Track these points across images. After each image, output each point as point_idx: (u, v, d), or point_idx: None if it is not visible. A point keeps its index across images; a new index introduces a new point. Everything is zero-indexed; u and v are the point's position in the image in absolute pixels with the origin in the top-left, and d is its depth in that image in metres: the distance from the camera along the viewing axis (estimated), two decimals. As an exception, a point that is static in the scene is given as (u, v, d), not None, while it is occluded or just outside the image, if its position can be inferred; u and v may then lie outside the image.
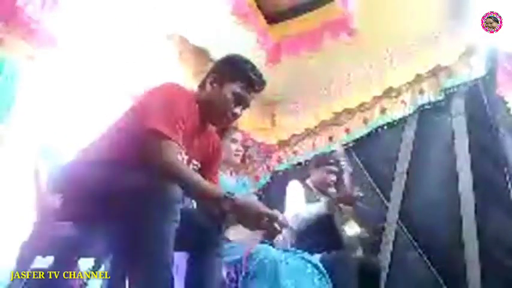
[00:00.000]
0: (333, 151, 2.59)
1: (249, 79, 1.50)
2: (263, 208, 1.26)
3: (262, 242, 2.00)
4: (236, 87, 1.49)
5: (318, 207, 2.31)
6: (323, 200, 2.35)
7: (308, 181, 2.60)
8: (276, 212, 1.29)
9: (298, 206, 2.39)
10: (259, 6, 2.84)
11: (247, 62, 1.54)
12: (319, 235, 2.28)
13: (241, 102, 1.51)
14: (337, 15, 2.68)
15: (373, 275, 2.26)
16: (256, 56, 2.57)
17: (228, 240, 1.85)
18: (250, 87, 1.51)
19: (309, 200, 2.44)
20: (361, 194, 2.29)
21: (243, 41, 2.68)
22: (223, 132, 2.06)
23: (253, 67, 1.53)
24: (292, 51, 2.89)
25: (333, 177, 2.52)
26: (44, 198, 1.34)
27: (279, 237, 2.14)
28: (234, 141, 2.22)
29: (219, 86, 1.50)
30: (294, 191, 2.51)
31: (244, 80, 1.50)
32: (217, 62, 1.60)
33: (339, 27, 2.70)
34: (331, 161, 2.52)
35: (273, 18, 2.97)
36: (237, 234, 1.91)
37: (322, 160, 2.59)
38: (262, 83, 1.54)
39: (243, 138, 2.31)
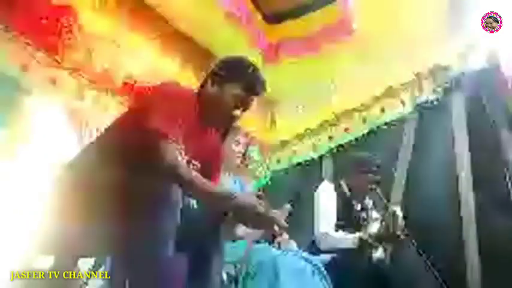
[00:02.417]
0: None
1: (250, 82, 1.49)
2: (262, 209, 1.26)
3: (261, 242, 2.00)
4: (237, 90, 1.47)
5: (351, 242, 2.22)
6: (356, 236, 2.23)
7: (342, 182, 2.50)
8: (275, 214, 1.29)
9: (329, 219, 2.33)
10: (258, 7, 2.85)
11: (249, 64, 1.52)
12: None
13: (242, 104, 1.50)
14: (338, 17, 2.69)
15: (383, 280, 2.24)
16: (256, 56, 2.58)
17: (232, 238, 1.85)
18: (251, 90, 1.50)
19: (342, 203, 2.39)
20: (403, 236, 2.20)
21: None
22: (226, 133, 2.06)
23: (255, 69, 1.51)
24: (292, 53, 2.90)
25: (372, 186, 2.43)
26: (46, 198, 1.34)
27: (283, 239, 2.13)
28: (236, 142, 2.21)
29: (219, 87, 1.49)
30: (327, 195, 2.42)
31: (245, 82, 1.48)
32: (218, 63, 1.59)
33: (339, 31, 2.70)
34: (372, 168, 2.41)
35: (273, 18, 2.97)
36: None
37: (362, 165, 2.45)
38: (263, 86, 1.52)
39: (243, 138, 2.31)
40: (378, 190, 2.45)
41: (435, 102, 3.10)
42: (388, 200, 3.08)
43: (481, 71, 2.90)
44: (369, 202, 2.44)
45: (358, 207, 2.45)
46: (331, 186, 2.49)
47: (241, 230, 1.94)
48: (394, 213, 2.21)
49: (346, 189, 2.47)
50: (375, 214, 2.41)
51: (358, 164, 2.48)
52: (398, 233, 2.21)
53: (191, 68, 3.03)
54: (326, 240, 2.28)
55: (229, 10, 2.51)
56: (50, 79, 2.22)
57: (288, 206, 1.71)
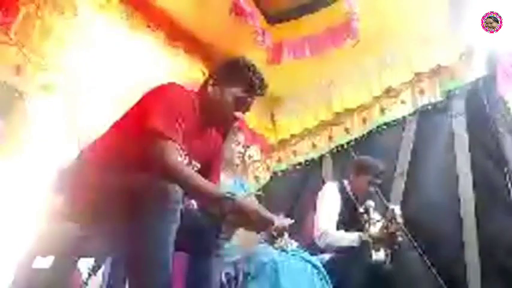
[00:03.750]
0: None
1: (251, 83, 1.50)
2: (262, 212, 1.27)
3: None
4: (237, 91, 1.48)
5: (351, 240, 2.27)
6: (355, 235, 2.30)
7: (346, 183, 2.56)
8: (274, 217, 1.29)
9: (331, 218, 2.37)
10: (259, 6, 2.83)
11: (249, 65, 1.53)
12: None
13: (242, 106, 1.51)
14: (341, 18, 2.67)
15: (383, 280, 2.24)
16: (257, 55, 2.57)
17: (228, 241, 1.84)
18: (252, 92, 1.51)
19: (345, 205, 2.43)
20: (400, 239, 2.26)
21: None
22: (226, 133, 2.06)
23: (256, 71, 1.52)
24: (295, 55, 2.88)
25: (372, 189, 2.48)
26: (46, 199, 1.34)
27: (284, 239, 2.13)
28: (236, 143, 2.21)
29: (220, 88, 1.49)
30: (331, 194, 2.46)
31: (246, 84, 1.49)
32: (219, 64, 1.60)
33: (342, 32, 2.69)
34: (375, 172, 2.47)
35: (275, 18, 2.96)
36: (237, 236, 1.90)
37: (365, 169, 2.51)
38: (264, 87, 1.53)
39: (244, 138, 2.31)
40: (378, 191, 2.47)
41: (435, 103, 3.10)
42: (388, 200, 3.08)
43: (481, 72, 2.89)
44: (370, 204, 2.45)
45: (361, 209, 2.47)
46: (336, 187, 2.53)
47: (237, 239, 1.93)
48: (393, 211, 2.23)
49: (349, 191, 2.51)
50: (376, 216, 2.42)
51: (361, 167, 2.53)
52: (398, 233, 2.22)
53: (194, 67, 3.02)
54: (326, 238, 2.31)
55: (233, 8, 2.49)
56: (47, 81, 2.21)
57: (288, 219, 1.71)
